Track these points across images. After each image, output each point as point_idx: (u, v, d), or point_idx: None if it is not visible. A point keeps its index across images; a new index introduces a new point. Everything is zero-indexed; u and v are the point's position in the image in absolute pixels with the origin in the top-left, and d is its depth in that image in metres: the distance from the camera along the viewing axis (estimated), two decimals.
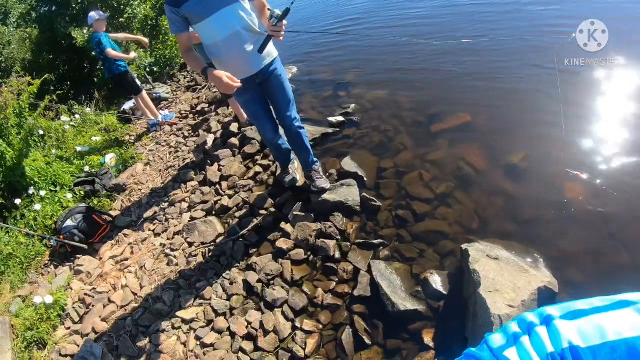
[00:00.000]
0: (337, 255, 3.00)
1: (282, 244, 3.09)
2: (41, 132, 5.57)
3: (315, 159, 3.45)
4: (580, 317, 0.55)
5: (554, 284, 2.43)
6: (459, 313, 2.53)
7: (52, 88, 7.66)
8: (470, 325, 2.40)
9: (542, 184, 3.11)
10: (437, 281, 2.71)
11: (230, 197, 3.73)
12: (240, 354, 2.70)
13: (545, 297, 2.36)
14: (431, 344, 2.47)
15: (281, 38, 2.61)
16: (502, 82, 4.27)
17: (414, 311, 2.60)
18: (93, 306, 3.36)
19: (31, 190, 4.53)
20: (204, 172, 4.18)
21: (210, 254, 3.34)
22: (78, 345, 3.24)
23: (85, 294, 3.48)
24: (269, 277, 2.95)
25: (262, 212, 3.44)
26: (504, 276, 2.40)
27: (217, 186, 3.91)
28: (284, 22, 2.52)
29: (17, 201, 4.42)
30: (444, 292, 2.66)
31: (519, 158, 3.37)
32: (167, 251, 3.54)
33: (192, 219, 3.71)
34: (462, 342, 2.43)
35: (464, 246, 2.72)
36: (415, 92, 4.55)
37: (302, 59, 6.34)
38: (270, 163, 3.89)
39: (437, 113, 4.16)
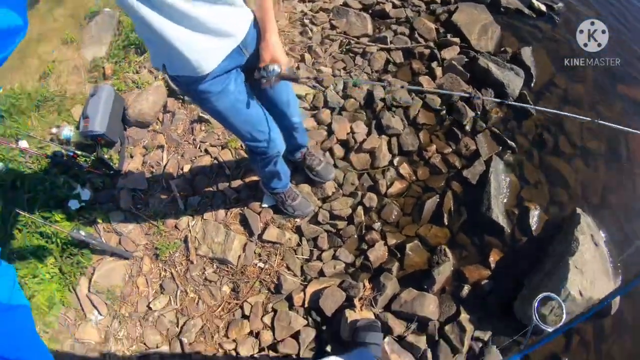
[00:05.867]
0: (468, 128, 2.55)
1: (424, 81, 2.60)
2: None
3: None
4: None
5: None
6: (533, 260, 2.24)
7: None
8: (536, 278, 2.12)
9: None
10: (535, 217, 2.35)
11: (395, 6, 3.10)
12: (327, 153, 2.41)
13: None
14: (492, 265, 2.23)
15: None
16: None
17: (500, 228, 2.30)
18: None
19: None
20: None
21: (347, 47, 2.87)
22: None
23: None
24: (394, 104, 2.52)
25: (420, 40, 2.86)
26: (593, 266, 2.05)
27: None
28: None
29: None
30: (534, 233, 2.32)
31: None
32: (306, 21, 3.07)
33: (346, 5, 3.12)
34: (516, 285, 2.16)
35: (579, 210, 2.29)
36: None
37: None
38: None
39: None
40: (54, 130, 2.80)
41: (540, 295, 1.44)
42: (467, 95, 1.89)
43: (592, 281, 1.99)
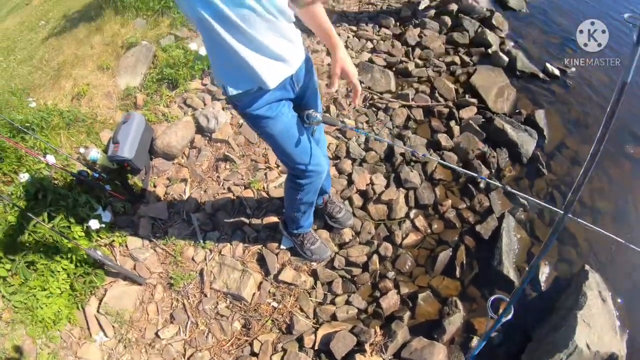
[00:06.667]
0: (482, 185, 2.64)
1: (443, 139, 2.74)
2: None
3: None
4: None
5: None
6: (541, 314, 2.27)
7: None
8: (543, 331, 2.16)
9: None
10: (544, 273, 2.41)
11: (417, 66, 3.30)
12: (347, 202, 2.50)
13: None
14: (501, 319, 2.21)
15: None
16: None
17: (510, 282, 2.34)
18: None
19: None
20: (403, 28, 3.69)
21: (371, 101, 3.02)
22: (205, 104, 3.10)
23: None
24: (413, 159, 2.64)
25: (440, 99, 3.03)
26: (600, 320, 2.08)
27: (410, 49, 3.46)
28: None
29: None
30: (542, 288, 2.37)
31: None
32: None
33: (371, 61, 3.34)
34: (525, 338, 2.18)
35: (587, 266, 2.34)
36: None
37: None
38: (471, 62, 3.36)
39: None
40: (81, 150, 2.84)
41: (493, 297, 1.48)
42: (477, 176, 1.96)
43: (600, 335, 2.03)
